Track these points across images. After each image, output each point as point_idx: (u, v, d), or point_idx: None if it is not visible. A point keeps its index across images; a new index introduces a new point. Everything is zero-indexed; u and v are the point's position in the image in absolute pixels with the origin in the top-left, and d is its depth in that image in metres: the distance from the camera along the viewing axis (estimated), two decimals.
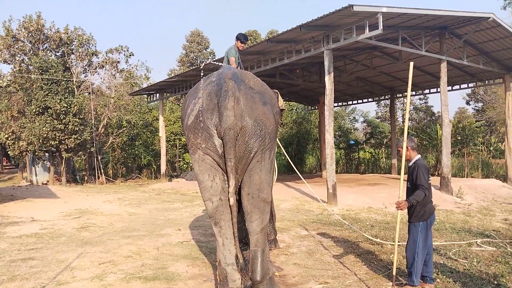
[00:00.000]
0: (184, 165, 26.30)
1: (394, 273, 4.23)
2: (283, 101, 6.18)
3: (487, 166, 19.42)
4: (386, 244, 6.34)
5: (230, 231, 4.17)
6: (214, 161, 4.14)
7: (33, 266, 5.47)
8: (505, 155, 16.03)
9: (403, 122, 35.81)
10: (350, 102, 23.69)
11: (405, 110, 36.49)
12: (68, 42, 22.66)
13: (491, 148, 23.55)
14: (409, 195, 4.39)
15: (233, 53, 6.09)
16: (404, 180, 4.40)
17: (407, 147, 4.46)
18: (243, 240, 5.72)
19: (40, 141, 18.47)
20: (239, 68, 6.28)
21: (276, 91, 5.76)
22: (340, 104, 24.28)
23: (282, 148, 7.73)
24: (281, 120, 5.84)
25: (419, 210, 4.33)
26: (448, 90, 14.21)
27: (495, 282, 4.53)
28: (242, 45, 6.29)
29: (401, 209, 4.25)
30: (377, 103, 37.62)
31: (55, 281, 4.81)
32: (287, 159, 24.70)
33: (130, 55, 23.79)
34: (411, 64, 4.39)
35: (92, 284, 4.68)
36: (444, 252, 5.82)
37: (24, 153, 20.19)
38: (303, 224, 8.20)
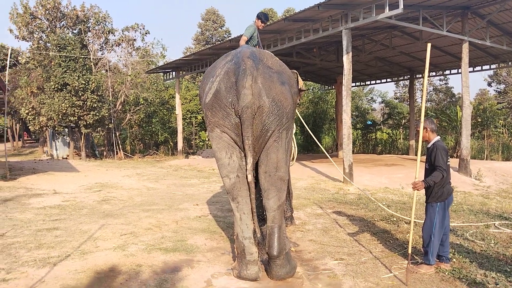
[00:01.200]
0: (200, 143, 26.53)
1: (409, 251, 4.27)
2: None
3: (508, 149, 19.05)
4: (402, 221, 6.38)
5: (247, 206, 4.26)
6: (231, 139, 4.21)
7: (57, 235, 5.69)
8: None
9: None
10: (368, 82, 23.38)
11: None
12: (85, 20, 22.76)
13: None
14: (427, 176, 4.38)
15: (250, 32, 6.03)
16: (421, 161, 4.40)
17: (426, 128, 4.44)
18: (260, 216, 5.84)
19: (60, 116, 18.85)
20: (257, 47, 6.24)
21: (295, 71, 5.72)
22: (357, 84, 23.98)
23: (306, 126, 7.58)
24: (300, 100, 5.84)
25: (436, 191, 4.33)
26: (469, 71, 13.89)
27: None
28: (262, 24, 6.22)
29: (417, 190, 4.26)
30: (395, 84, 37.03)
31: (79, 250, 5.00)
32: (303, 138, 24.76)
33: (146, 33, 23.87)
34: (429, 45, 4.32)
35: (115, 253, 4.85)
36: (461, 233, 5.83)
37: (44, 128, 20.65)
38: (319, 203, 8.27)
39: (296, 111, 5.81)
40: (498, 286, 3.95)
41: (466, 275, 4.20)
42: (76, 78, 18.56)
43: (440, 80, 35.11)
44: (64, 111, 18.57)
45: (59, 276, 4.17)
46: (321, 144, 24.62)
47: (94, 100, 19.09)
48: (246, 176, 4.13)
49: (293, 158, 6.49)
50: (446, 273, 4.29)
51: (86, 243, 5.31)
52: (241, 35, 6.08)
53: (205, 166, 15.68)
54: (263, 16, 6.18)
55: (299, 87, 5.71)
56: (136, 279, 4.13)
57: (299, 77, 5.80)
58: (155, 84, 25.19)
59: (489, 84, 35.11)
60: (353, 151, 12.22)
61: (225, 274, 4.34)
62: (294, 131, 6.45)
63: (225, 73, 4.21)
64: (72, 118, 19.03)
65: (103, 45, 23.49)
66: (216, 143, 4.30)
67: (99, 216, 7.01)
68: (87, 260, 4.63)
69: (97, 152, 22.82)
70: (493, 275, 4.19)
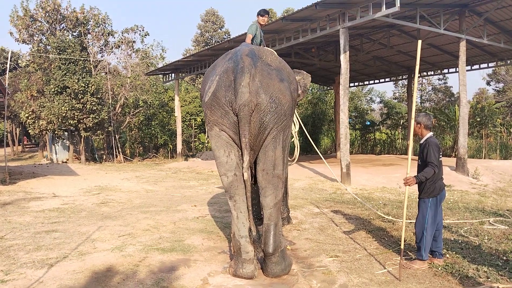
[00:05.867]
0: (200, 145, 26.58)
1: (402, 247, 4.32)
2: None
3: (506, 148, 19.08)
4: (397, 221, 6.42)
5: (244, 205, 4.30)
6: (229, 137, 4.26)
7: (56, 237, 5.74)
8: None
9: (421, 102, 35.24)
10: (367, 82, 23.45)
11: (423, 90, 35.86)
12: (84, 22, 22.83)
13: (511, 130, 23.09)
14: (419, 172, 4.44)
15: (252, 30, 6.11)
16: (414, 159, 4.45)
17: (420, 123, 4.52)
18: (258, 215, 5.89)
19: (60, 120, 18.89)
20: (261, 45, 6.31)
21: (308, 74, 5.89)
22: (356, 84, 24.05)
23: (303, 127, 7.47)
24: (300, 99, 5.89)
25: (428, 187, 4.39)
26: (467, 70, 13.99)
27: (504, 258, 4.59)
28: (263, 18, 6.30)
29: (408, 185, 4.31)
30: (394, 83, 37.10)
31: (77, 251, 5.06)
32: (301, 139, 24.80)
33: (146, 35, 23.93)
34: (419, 42, 4.43)
35: (113, 254, 4.91)
36: (456, 230, 5.88)
37: (44, 132, 20.68)
38: (316, 202, 8.32)
39: (296, 112, 5.89)
40: (489, 279, 4.00)
41: (459, 270, 4.25)
42: (76, 80, 18.63)
43: (439, 79, 35.23)
44: (64, 114, 18.62)
45: (57, 276, 4.22)
46: (319, 145, 24.70)
47: (93, 103, 19.15)
48: (243, 174, 4.16)
49: (294, 158, 6.52)
50: (439, 268, 4.34)
51: (84, 244, 5.36)
52: (242, 34, 6.19)
53: (204, 168, 15.74)
54: (262, 11, 6.28)
55: (304, 89, 5.85)
56: (133, 278, 4.18)
57: (309, 78, 5.95)
58: (155, 86, 25.25)
59: (488, 83, 35.13)
60: (351, 152, 12.29)
61: (221, 273, 4.39)
62: (296, 130, 6.52)
63: (224, 72, 4.26)
64: (71, 122, 19.07)
65: (102, 47, 23.56)
66: (215, 141, 4.35)
67: (97, 218, 7.07)
68: (85, 261, 4.68)
69: (96, 155, 22.87)
70: (485, 269, 4.24)
